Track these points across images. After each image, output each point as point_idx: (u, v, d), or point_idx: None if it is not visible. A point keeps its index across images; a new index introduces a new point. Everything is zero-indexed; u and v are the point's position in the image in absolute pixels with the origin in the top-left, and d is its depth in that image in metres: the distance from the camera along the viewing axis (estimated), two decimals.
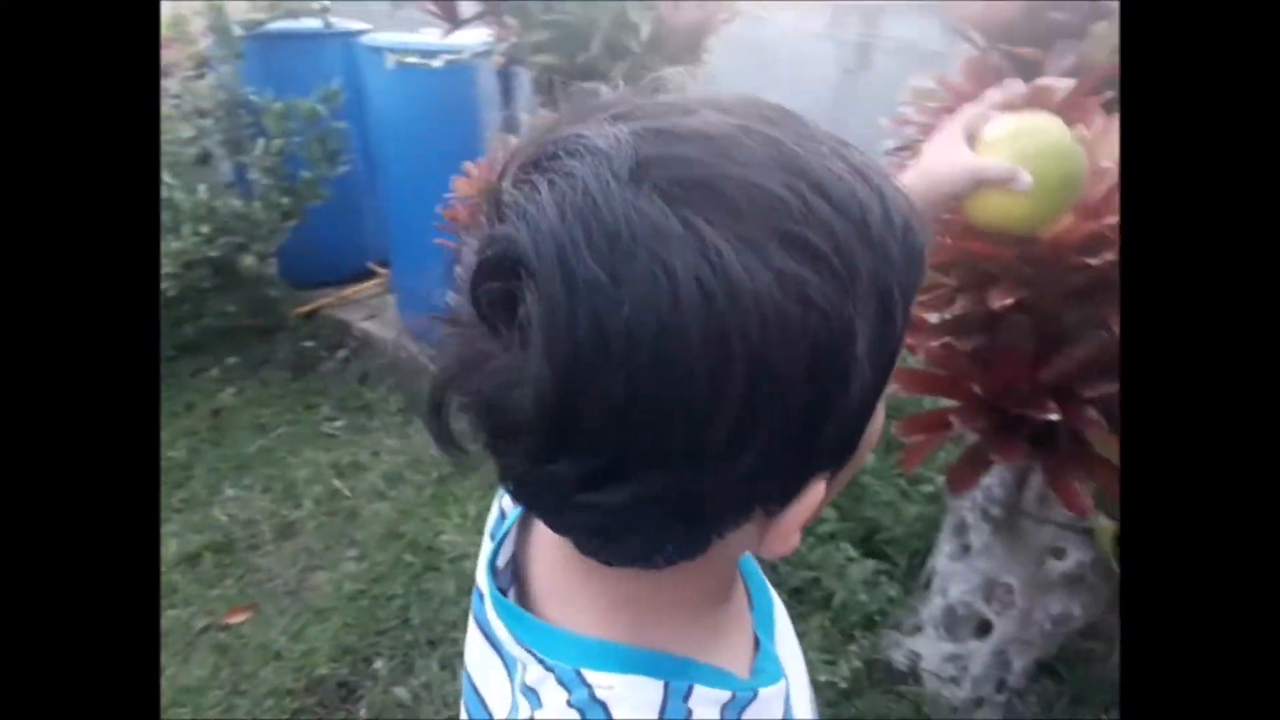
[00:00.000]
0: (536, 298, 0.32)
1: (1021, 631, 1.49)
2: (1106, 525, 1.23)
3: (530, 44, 1.66)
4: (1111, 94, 0.99)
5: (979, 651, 1.54)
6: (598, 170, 0.32)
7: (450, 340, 0.36)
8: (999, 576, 1.50)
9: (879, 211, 0.35)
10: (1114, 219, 0.74)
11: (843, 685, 1.62)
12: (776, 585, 1.76)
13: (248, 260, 2.51)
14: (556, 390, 0.32)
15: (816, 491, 0.38)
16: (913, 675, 1.62)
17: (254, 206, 2.48)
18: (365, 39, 2.56)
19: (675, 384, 0.32)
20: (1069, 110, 1.02)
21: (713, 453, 0.33)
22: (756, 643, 0.49)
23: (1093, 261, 0.74)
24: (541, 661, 0.42)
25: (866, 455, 0.43)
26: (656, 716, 0.40)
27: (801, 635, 1.70)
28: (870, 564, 1.76)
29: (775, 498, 0.38)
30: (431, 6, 1.55)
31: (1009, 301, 0.81)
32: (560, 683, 0.41)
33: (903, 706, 1.59)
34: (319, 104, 2.47)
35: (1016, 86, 0.73)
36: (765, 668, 0.47)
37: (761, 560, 1.90)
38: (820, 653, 1.68)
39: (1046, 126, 0.69)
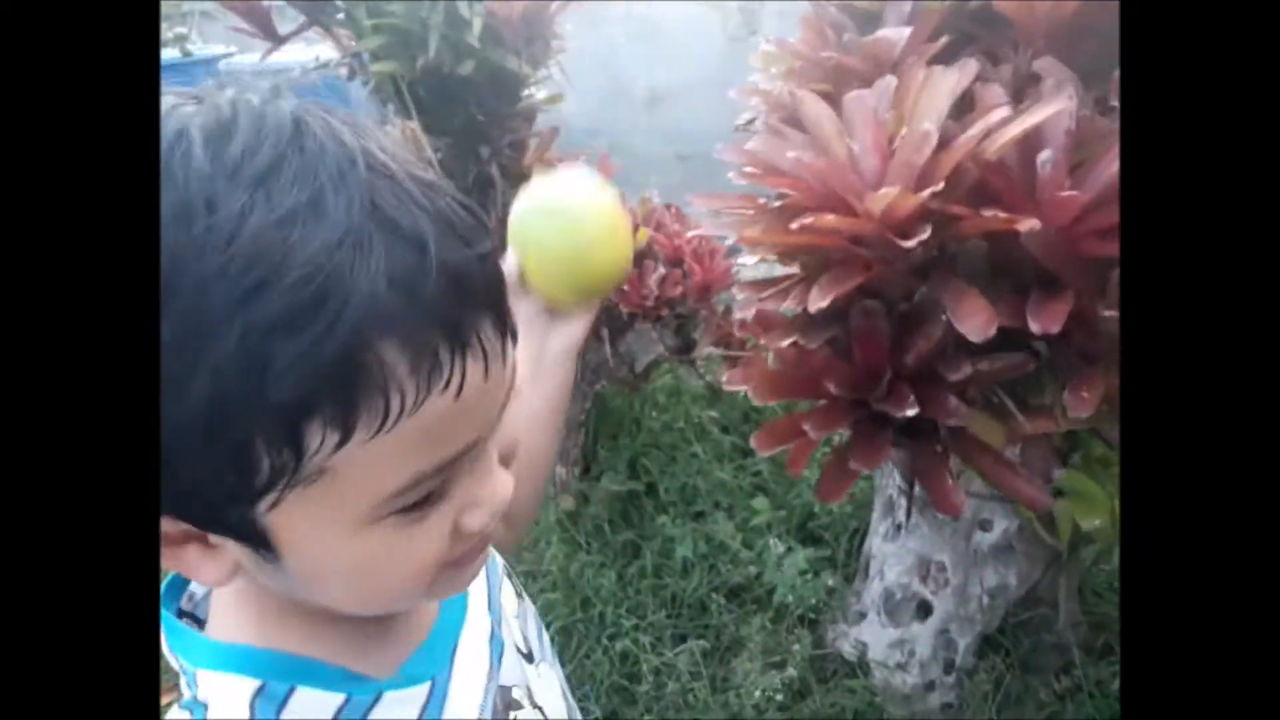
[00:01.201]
0: None
1: (960, 608, 1.42)
2: None
3: (367, 52, 1.54)
4: (945, 39, 0.90)
5: (922, 634, 1.46)
6: None
7: None
8: (931, 554, 1.42)
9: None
10: (933, 189, 0.65)
11: (794, 686, 1.54)
12: (716, 586, 1.67)
13: None
14: None
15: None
16: (861, 666, 1.54)
17: None
18: (224, 64, 2.41)
19: None
20: (906, 57, 0.93)
21: None
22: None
23: (909, 244, 0.65)
24: (183, 668, 0.43)
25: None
26: (247, 715, 0.41)
27: (744, 638, 1.63)
28: (806, 554, 1.68)
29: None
30: (244, 24, 1.42)
31: (842, 291, 0.71)
32: (187, 685, 0.42)
33: (855, 700, 1.52)
34: None
35: None
36: (410, 672, 0.47)
37: (701, 558, 1.79)
38: (765, 654, 1.60)
39: (556, 208, 0.57)
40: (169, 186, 0.30)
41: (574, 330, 0.62)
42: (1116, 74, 0.72)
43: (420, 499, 0.37)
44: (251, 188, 0.31)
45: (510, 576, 0.61)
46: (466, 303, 0.34)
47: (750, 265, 1.02)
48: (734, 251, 1.59)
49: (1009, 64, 0.90)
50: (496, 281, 0.37)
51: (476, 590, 0.54)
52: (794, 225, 0.66)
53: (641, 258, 1.51)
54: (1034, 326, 0.60)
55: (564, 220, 0.57)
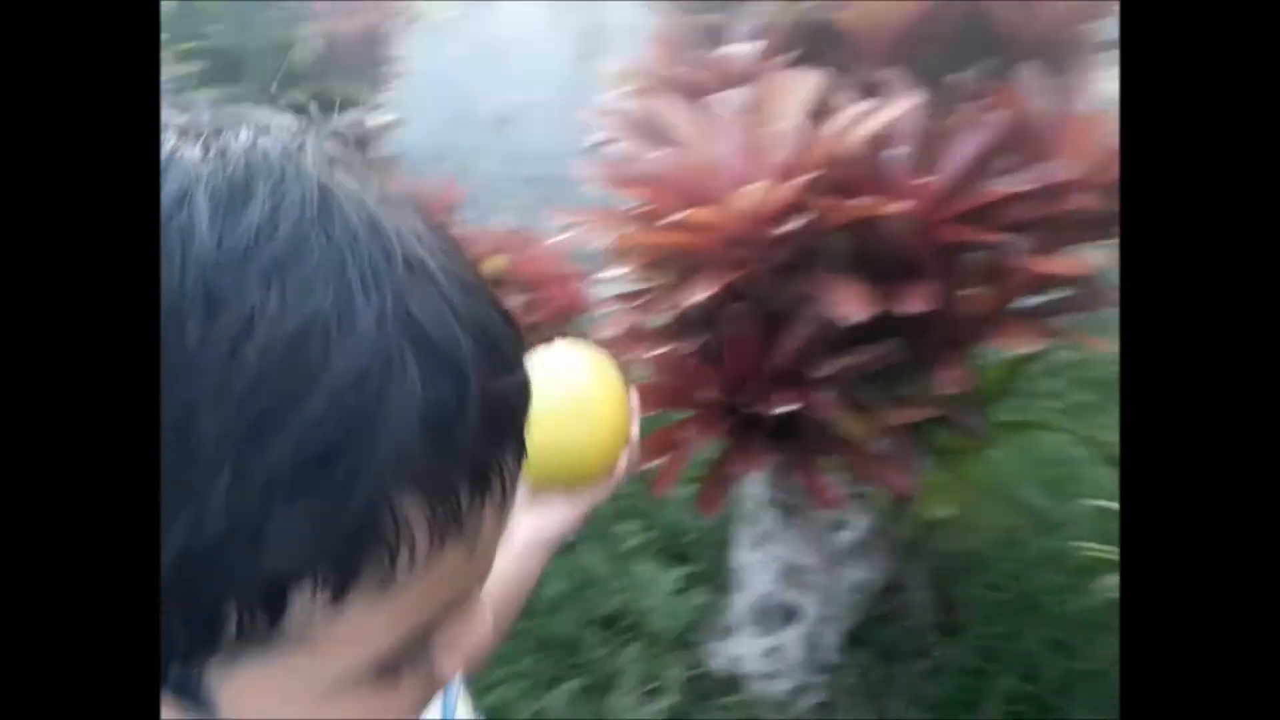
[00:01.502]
0: None
1: (826, 609, 1.47)
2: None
3: (186, 78, 1.43)
4: (793, 54, 0.95)
5: (792, 639, 1.50)
6: None
7: None
8: (795, 559, 1.46)
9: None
10: (804, 179, 0.67)
11: (674, 712, 1.53)
12: (591, 620, 1.63)
13: None
14: None
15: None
16: (736, 681, 1.55)
17: None
18: None
19: None
20: (755, 74, 0.96)
21: None
22: None
23: (788, 228, 0.67)
24: None
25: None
26: None
27: (620, 670, 1.60)
28: (676, 573, 1.69)
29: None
30: None
31: (717, 288, 0.72)
32: None
33: (731, 715, 1.52)
34: None
35: None
36: None
37: (574, 591, 1.72)
38: (643, 683, 1.57)
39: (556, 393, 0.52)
40: (164, 267, 0.24)
41: (546, 522, 0.55)
42: (951, 77, 0.78)
43: (403, 660, 0.31)
44: (264, 283, 0.24)
45: (465, 685, 0.54)
46: (497, 438, 0.29)
47: (609, 278, 1.02)
48: (589, 274, 1.59)
49: (852, 76, 0.96)
50: (528, 404, 0.31)
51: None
52: (675, 218, 0.67)
53: (497, 285, 1.48)
54: (904, 308, 0.63)
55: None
